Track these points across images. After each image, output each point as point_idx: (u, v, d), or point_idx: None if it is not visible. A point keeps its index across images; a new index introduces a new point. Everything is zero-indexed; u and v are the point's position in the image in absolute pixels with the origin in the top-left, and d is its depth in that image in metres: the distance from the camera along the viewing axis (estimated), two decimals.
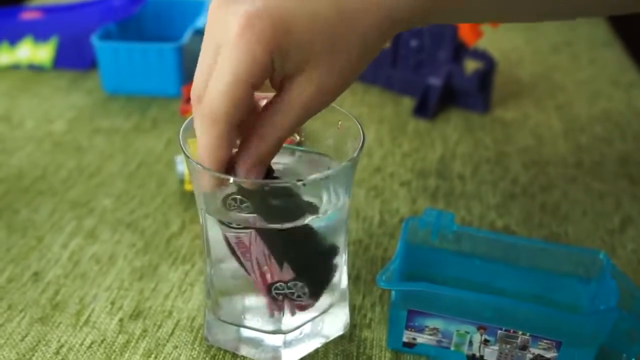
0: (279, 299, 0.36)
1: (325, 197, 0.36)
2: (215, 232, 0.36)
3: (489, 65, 0.67)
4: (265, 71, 0.30)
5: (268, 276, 0.36)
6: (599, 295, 0.39)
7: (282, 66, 0.30)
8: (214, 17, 0.31)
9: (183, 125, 0.36)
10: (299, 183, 0.32)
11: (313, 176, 0.33)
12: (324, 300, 0.39)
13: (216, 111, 0.30)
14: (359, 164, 0.47)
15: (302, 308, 0.38)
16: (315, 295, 0.37)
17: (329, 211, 0.35)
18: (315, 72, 0.31)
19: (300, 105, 0.31)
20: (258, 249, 0.35)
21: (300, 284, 0.36)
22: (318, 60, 0.31)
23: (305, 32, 0.30)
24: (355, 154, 0.34)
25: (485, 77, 0.67)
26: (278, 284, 0.36)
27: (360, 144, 0.35)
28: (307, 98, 0.31)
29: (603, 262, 0.40)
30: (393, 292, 0.38)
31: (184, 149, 0.35)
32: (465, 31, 0.62)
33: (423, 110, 0.68)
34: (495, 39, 0.88)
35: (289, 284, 0.36)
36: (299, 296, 0.37)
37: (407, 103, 0.71)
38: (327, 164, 0.38)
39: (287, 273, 0.36)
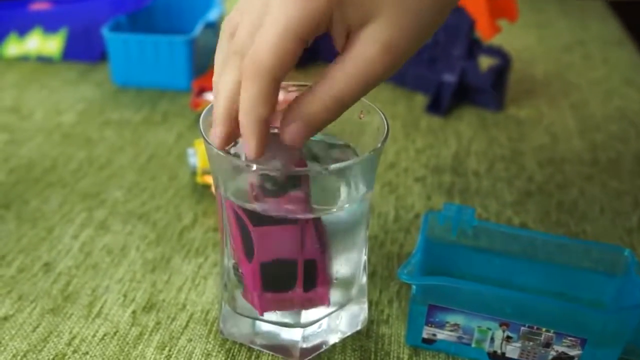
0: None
1: (344, 190, 0.35)
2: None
3: (504, 61, 0.66)
4: (320, 23, 0.27)
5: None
6: (623, 292, 0.39)
7: (343, 18, 0.28)
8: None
9: (203, 113, 0.35)
10: (324, 171, 0.31)
11: (337, 164, 0.32)
12: (343, 295, 0.38)
13: (263, 64, 0.28)
14: None
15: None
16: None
17: (347, 205, 0.35)
18: (381, 26, 0.28)
19: (363, 64, 0.28)
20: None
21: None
22: (383, 12, 0.28)
23: None
24: (379, 144, 0.34)
25: (500, 74, 0.67)
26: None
27: (385, 135, 0.34)
28: (371, 56, 0.28)
29: (628, 259, 0.39)
30: (414, 287, 0.37)
31: (204, 134, 0.34)
32: (482, 26, 0.61)
33: (436, 107, 0.67)
34: (507, 38, 0.87)
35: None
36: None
37: (420, 100, 0.70)
38: (349, 155, 0.37)
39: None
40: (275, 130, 0.32)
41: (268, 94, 0.28)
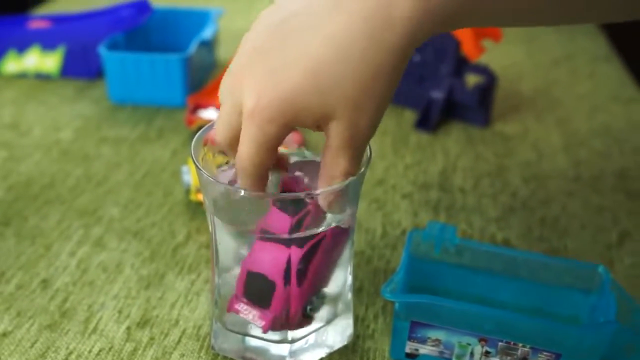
0: (308, 314, 0.38)
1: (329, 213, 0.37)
2: (224, 241, 0.37)
3: (489, 80, 0.68)
4: (282, 137, 0.32)
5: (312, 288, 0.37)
6: (598, 308, 0.40)
7: (304, 123, 0.32)
8: (233, 81, 0.33)
9: (194, 140, 0.37)
10: (307, 197, 0.33)
11: (321, 189, 0.34)
12: (329, 311, 0.40)
13: (247, 170, 0.33)
14: None
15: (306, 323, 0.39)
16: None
17: (333, 224, 0.36)
18: (339, 126, 0.32)
19: (339, 151, 0.33)
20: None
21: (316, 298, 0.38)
22: (337, 114, 0.32)
23: (315, 104, 0.31)
24: (363, 169, 0.35)
25: (486, 91, 0.68)
26: (313, 298, 0.38)
27: (367, 160, 0.36)
28: (342, 146, 0.33)
29: (602, 276, 0.41)
30: (397, 304, 0.39)
31: (196, 163, 0.35)
32: (468, 47, 0.63)
33: (425, 123, 0.69)
34: (496, 53, 0.89)
35: (316, 298, 0.37)
36: (312, 310, 0.38)
37: (409, 115, 0.72)
38: None
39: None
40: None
41: (260, 180, 0.34)
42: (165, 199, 0.57)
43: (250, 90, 0.32)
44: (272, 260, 0.36)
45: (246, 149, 0.33)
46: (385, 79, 0.32)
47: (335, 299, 0.40)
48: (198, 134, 0.37)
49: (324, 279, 0.38)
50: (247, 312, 0.38)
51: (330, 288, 0.39)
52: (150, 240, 0.52)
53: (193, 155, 0.36)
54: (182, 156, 0.63)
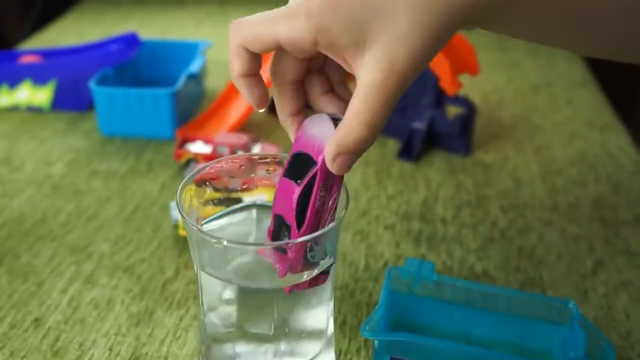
0: (310, 260, 0.37)
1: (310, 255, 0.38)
2: (208, 282, 0.39)
3: (469, 110, 0.70)
4: (303, 44, 0.31)
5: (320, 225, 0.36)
6: (569, 342, 0.42)
7: (330, 44, 0.31)
8: None
9: (179, 189, 0.38)
10: (285, 246, 0.35)
11: (303, 238, 0.35)
12: (313, 346, 0.42)
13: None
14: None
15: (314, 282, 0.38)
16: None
17: (316, 270, 0.38)
18: (378, 55, 0.30)
19: (374, 90, 0.31)
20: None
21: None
22: (374, 41, 0.30)
23: (351, 9, 0.30)
24: (342, 214, 0.37)
25: (466, 121, 0.71)
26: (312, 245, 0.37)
27: (345, 205, 0.38)
28: (380, 82, 0.31)
29: (572, 311, 0.43)
30: (376, 341, 0.41)
31: (183, 215, 0.37)
32: (445, 83, 0.65)
33: (407, 153, 0.71)
34: (477, 80, 0.92)
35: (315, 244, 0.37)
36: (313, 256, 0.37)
37: (392, 145, 0.74)
38: None
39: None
40: None
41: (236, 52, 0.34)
42: (155, 234, 0.58)
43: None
44: (287, 200, 0.36)
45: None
46: (435, 20, 0.30)
47: (317, 335, 0.42)
48: (182, 183, 0.39)
49: (322, 222, 0.37)
50: (271, 255, 0.37)
51: (312, 326, 0.41)
52: (140, 276, 0.53)
53: (179, 205, 0.37)
54: (171, 190, 0.65)
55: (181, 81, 0.73)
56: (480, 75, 0.70)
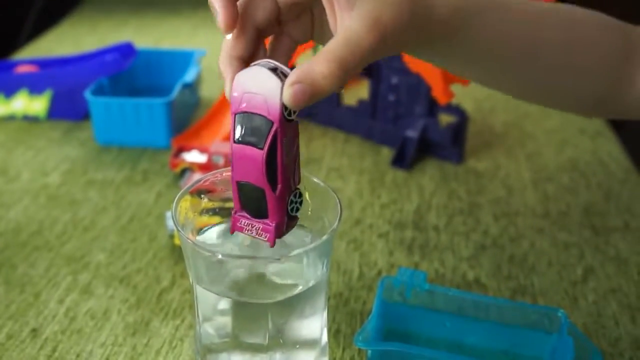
0: (292, 214, 0.37)
1: (303, 270, 0.39)
2: (203, 293, 0.40)
3: (461, 119, 0.71)
4: None
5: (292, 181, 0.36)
6: (557, 350, 0.43)
7: None
8: None
9: (174, 204, 0.39)
10: (277, 261, 0.36)
11: (296, 251, 0.36)
12: (307, 356, 0.42)
13: None
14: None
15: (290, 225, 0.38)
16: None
17: (310, 281, 0.39)
18: (366, 5, 0.32)
19: (352, 35, 0.32)
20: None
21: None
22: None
23: None
24: (334, 226, 0.38)
25: (459, 130, 0.72)
26: (295, 193, 0.36)
27: (338, 217, 0.38)
28: (360, 30, 0.31)
29: (561, 319, 0.43)
30: (369, 351, 0.41)
31: (177, 225, 0.38)
32: (438, 92, 0.66)
33: (400, 161, 0.72)
34: (469, 87, 0.93)
35: (297, 193, 0.37)
36: (294, 209, 0.37)
37: (386, 153, 0.75)
38: (303, 236, 0.41)
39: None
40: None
41: None
42: (150, 243, 0.59)
43: None
44: (252, 166, 0.35)
45: None
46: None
47: (311, 345, 0.42)
48: (177, 196, 0.40)
49: (293, 176, 0.37)
50: (250, 228, 0.37)
51: (305, 336, 0.42)
52: (136, 286, 0.54)
53: (174, 220, 0.38)
54: (167, 199, 0.65)
55: (176, 90, 0.74)
56: (471, 85, 0.71)
